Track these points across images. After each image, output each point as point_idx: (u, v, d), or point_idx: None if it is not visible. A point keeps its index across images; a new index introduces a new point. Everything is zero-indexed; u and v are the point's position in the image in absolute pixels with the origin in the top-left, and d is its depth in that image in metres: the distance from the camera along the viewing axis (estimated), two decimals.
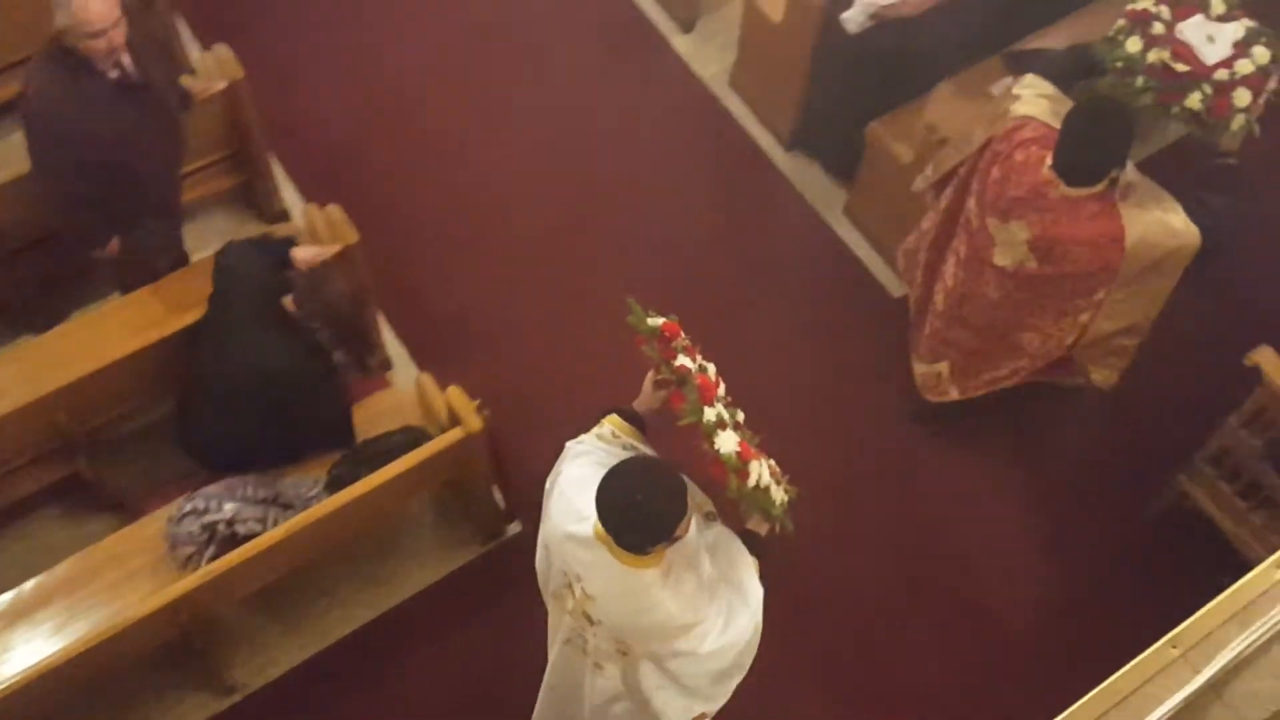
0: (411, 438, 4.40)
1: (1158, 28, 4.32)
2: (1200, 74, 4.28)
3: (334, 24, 5.95)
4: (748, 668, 3.32)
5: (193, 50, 5.61)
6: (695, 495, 3.29)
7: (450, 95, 5.78)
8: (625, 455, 3.25)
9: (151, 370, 4.50)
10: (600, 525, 3.03)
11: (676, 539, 3.04)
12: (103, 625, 3.98)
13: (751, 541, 3.38)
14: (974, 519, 4.92)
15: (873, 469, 4.99)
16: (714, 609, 3.20)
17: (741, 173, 5.66)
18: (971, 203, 4.18)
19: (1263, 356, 4.18)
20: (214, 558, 4.18)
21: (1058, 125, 3.94)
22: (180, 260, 4.77)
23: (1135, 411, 5.00)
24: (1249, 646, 2.52)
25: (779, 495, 3.29)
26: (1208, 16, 4.35)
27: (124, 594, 4.25)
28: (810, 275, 5.41)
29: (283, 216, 5.35)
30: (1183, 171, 4.38)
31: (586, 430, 3.39)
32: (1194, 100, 4.28)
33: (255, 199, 5.35)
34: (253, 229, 5.12)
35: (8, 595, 4.27)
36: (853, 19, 4.73)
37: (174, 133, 4.45)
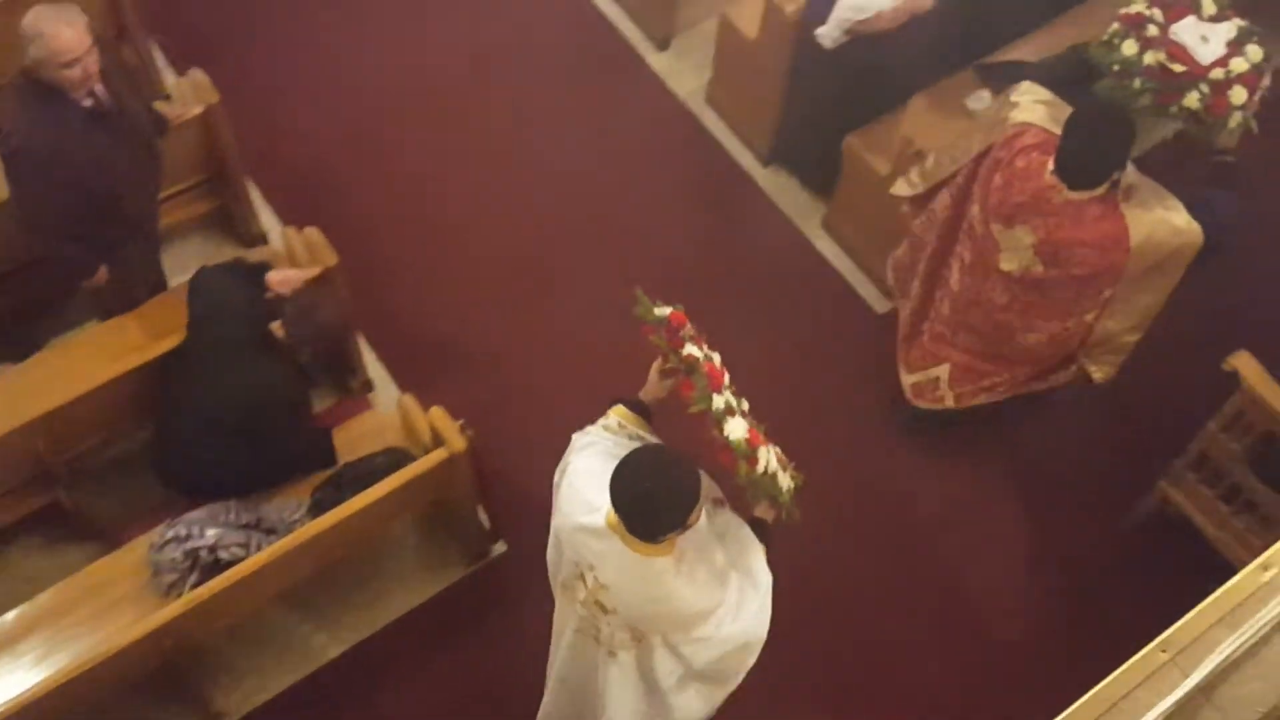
0: (395, 459, 4.38)
1: (1152, 30, 4.40)
2: (1196, 74, 4.37)
3: (310, 47, 5.95)
4: (758, 652, 3.37)
5: (168, 75, 5.60)
6: (704, 483, 3.33)
7: (427, 117, 5.78)
8: (632, 445, 3.29)
9: (131, 396, 4.47)
10: (612, 514, 3.06)
11: (689, 527, 3.08)
12: (86, 655, 3.93)
13: (759, 529, 3.43)
14: (959, 528, 4.94)
15: (854, 480, 4.99)
16: (726, 595, 3.25)
17: (720, 189, 5.68)
18: (975, 209, 4.22)
19: (1240, 361, 4.22)
20: (197, 584, 4.15)
21: (1057, 130, 3.98)
22: (159, 286, 4.75)
23: (1127, 414, 5.03)
24: (1238, 649, 2.53)
25: (786, 482, 3.34)
26: (1200, 17, 4.44)
27: (107, 623, 4.21)
28: (790, 289, 5.43)
29: (261, 240, 5.34)
30: (1181, 170, 4.43)
31: (572, 444, 3.42)
32: (1192, 100, 4.36)
33: (233, 223, 5.33)
34: (231, 253, 5.10)
35: None
36: (827, 34, 4.76)
37: (150, 158, 4.44)
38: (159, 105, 4.68)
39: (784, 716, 4.48)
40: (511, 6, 6.06)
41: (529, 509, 4.69)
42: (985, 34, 5.03)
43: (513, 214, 5.54)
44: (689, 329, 3.35)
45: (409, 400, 4.45)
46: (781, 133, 5.54)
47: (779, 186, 5.68)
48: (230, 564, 4.14)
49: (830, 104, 5.13)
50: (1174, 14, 4.43)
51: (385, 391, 5.10)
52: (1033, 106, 4.11)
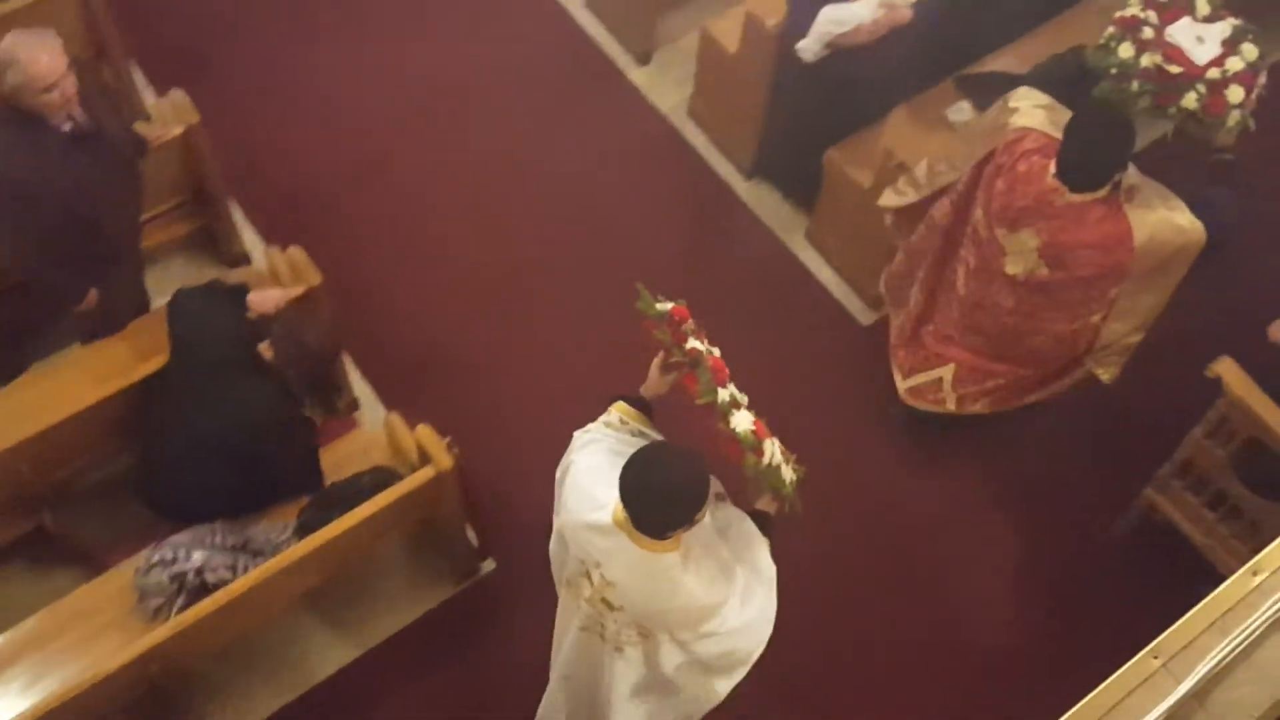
0: (381, 478, 4.36)
1: (1147, 32, 4.44)
2: (1193, 74, 4.41)
3: (291, 68, 5.94)
4: (765, 645, 3.38)
5: (148, 96, 5.58)
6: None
7: (409, 135, 5.78)
8: (635, 441, 3.31)
9: (116, 420, 4.44)
10: (619, 511, 3.06)
11: (696, 523, 3.10)
12: (73, 681, 3.90)
13: (761, 522, 3.44)
14: (944, 538, 4.94)
15: (841, 490, 4.99)
16: (732, 589, 3.27)
17: (703, 202, 5.68)
18: (979, 214, 4.23)
19: (1224, 367, 4.23)
20: (184, 608, 4.11)
21: (1057, 134, 4.00)
22: (143, 308, 4.73)
23: (1125, 417, 5.03)
24: (1229, 654, 2.53)
25: (789, 474, 3.35)
26: (1194, 18, 4.48)
27: (93, 648, 4.18)
28: (774, 301, 5.43)
29: (244, 260, 5.32)
30: (1180, 169, 4.45)
31: (573, 442, 3.43)
32: (1190, 100, 4.40)
33: (216, 243, 5.31)
34: (214, 273, 5.08)
35: None
36: (808, 48, 4.78)
37: (131, 180, 4.42)
38: (139, 126, 4.66)
39: (776, 718, 4.47)
40: (491, 25, 6.07)
41: (517, 526, 4.69)
42: (965, 46, 5.07)
43: (496, 230, 5.54)
44: (691, 323, 3.36)
45: (395, 419, 4.44)
46: (763, 146, 5.56)
47: (761, 199, 5.69)
48: (217, 587, 4.11)
49: (811, 117, 5.15)
50: (1169, 15, 4.47)
51: (371, 410, 5.09)
52: (1032, 111, 4.14)
